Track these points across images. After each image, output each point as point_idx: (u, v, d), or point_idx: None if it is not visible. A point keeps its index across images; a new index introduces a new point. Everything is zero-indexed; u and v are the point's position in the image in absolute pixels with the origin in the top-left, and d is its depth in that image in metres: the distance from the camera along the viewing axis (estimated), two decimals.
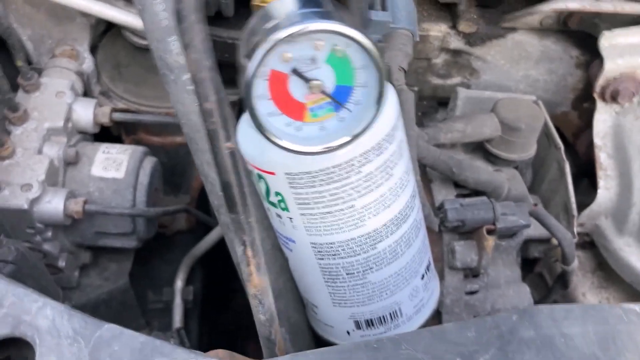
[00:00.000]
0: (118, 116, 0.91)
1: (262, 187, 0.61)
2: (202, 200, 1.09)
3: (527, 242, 0.93)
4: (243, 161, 0.62)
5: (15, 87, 0.88)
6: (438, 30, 0.98)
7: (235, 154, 0.50)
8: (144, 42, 1.00)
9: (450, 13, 1.00)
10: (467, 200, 0.80)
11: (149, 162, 0.91)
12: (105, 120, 0.90)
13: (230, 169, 0.50)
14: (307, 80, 0.48)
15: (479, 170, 0.85)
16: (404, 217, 0.64)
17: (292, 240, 0.65)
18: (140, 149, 0.91)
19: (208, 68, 0.46)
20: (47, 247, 0.85)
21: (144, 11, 0.69)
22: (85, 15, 1.01)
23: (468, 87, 1.05)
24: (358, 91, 0.50)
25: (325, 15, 0.46)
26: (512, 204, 0.78)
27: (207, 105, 0.47)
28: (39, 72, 0.91)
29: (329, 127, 0.52)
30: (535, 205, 0.86)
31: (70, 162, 0.86)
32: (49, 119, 0.86)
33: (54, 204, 0.81)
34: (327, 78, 0.49)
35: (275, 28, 0.46)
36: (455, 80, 1.05)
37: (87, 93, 0.97)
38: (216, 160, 0.49)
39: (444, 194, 0.86)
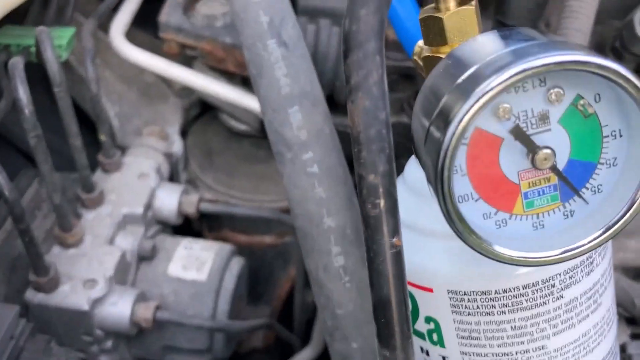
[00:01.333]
0: (207, 207, 0.77)
1: None
2: (284, 314, 0.92)
3: None
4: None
5: (94, 166, 0.76)
6: None
7: (401, 256, 0.33)
8: (242, 127, 0.88)
9: None
10: None
11: (237, 264, 0.75)
12: (191, 210, 0.76)
13: (392, 279, 0.33)
14: (533, 148, 0.32)
15: None
16: None
17: None
18: (227, 247, 0.75)
19: (382, 124, 0.30)
20: (103, 359, 0.69)
21: (260, 76, 0.56)
22: (179, 96, 0.91)
23: None
24: (603, 172, 0.33)
25: (565, 46, 0.30)
26: None
27: (371, 178, 0.31)
28: (123, 150, 0.79)
29: (548, 226, 0.34)
30: None
31: (145, 257, 0.71)
32: (127, 204, 0.72)
33: (120, 308, 0.65)
34: (558, 147, 0.32)
35: (484, 72, 0.30)
36: None
37: (173, 179, 0.84)
38: (372, 265, 0.32)
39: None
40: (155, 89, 0.91)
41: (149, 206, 0.74)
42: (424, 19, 0.39)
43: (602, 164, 0.33)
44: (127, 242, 0.70)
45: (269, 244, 0.90)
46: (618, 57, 0.78)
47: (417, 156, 0.35)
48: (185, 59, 0.85)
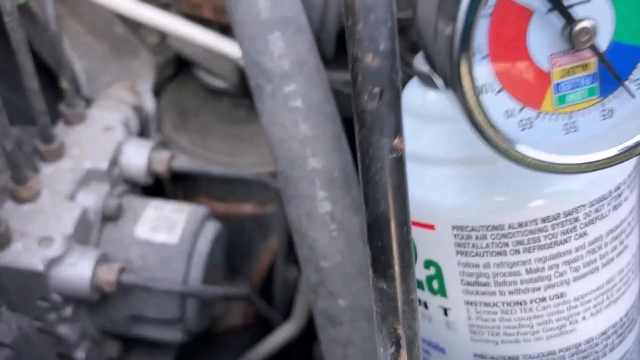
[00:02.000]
0: (179, 165, 0.70)
1: None
2: (264, 290, 0.86)
3: None
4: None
5: (56, 119, 0.69)
6: None
7: (403, 164, 0.26)
8: (220, 84, 0.82)
9: None
10: None
11: (212, 227, 0.68)
12: (162, 168, 0.69)
13: (392, 192, 0.26)
14: (570, 20, 0.26)
15: None
16: (631, 322, 0.38)
17: (439, 349, 0.39)
18: (201, 209, 0.69)
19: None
20: (62, 329, 0.62)
21: (237, 1, 0.50)
22: (152, 52, 0.84)
23: None
24: None
25: None
26: None
27: (368, 59, 0.25)
28: (88, 102, 0.72)
29: (582, 127, 0.28)
30: None
31: (110, 217, 0.65)
32: (90, 158, 0.65)
33: (80, 269, 0.59)
34: (599, 23, 0.26)
35: None
36: None
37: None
38: (367, 174, 0.26)
39: None
40: (127, 43, 0.84)
41: (114, 162, 0.67)
42: None
43: None
44: (89, 200, 0.64)
45: (249, 214, 0.83)
46: None
47: (425, 45, 0.29)
48: (158, 6, 0.78)
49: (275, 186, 0.73)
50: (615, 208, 0.34)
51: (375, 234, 0.27)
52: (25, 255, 0.57)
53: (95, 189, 0.65)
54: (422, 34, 0.29)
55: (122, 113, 0.71)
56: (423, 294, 0.38)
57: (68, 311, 0.62)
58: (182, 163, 0.71)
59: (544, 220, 0.33)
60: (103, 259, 0.61)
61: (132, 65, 0.83)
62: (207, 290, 0.63)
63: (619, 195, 0.34)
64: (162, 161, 0.70)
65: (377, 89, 0.25)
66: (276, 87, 0.47)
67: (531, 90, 0.27)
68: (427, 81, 0.36)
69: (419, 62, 0.37)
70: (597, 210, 0.34)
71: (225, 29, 0.75)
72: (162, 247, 0.65)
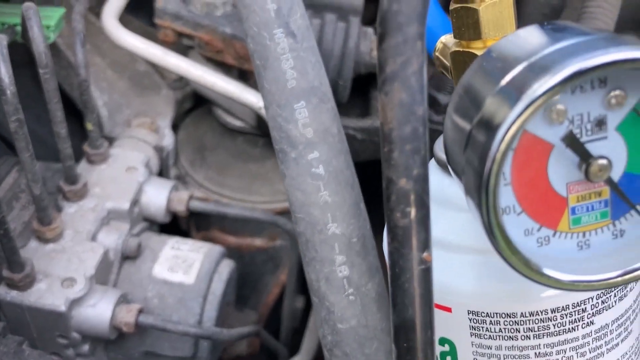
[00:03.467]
0: (197, 205, 0.72)
1: None
2: (271, 320, 0.88)
3: None
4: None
5: (80, 157, 0.71)
6: None
7: (430, 274, 0.29)
8: (237, 123, 0.84)
9: None
10: None
11: (226, 267, 0.71)
12: (181, 208, 0.71)
13: (418, 300, 0.29)
14: (587, 158, 0.28)
15: None
16: None
17: None
18: (217, 248, 0.71)
19: (419, 120, 0.26)
20: None
21: (266, 68, 0.52)
22: (172, 88, 0.87)
23: None
24: None
25: (625, 42, 0.26)
26: None
27: (402, 183, 0.27)
28: (111, 141, 0.74)
29: (594, 246, 0.30)
30: None
31: (130, 256, 0.67)
32: (112, 197, 0.68)
33: (100, 310, 0.61)
34: (613, 158, 0.29)
35: (537, 70, 0.26)
36: None
37: (162, 174, 0.79)
38: (397, 282, 0.29)
39: None
40: (148, 78, 0.86)
41: (135, 202, 0.69)
42: (456, 10, 0.36)
43: None
44: (110, 239, 0.66)
45: (259, 247, 0.86)
46: None
47: (452, 162, 0.31)
48: (181, 48, 0.81)
49: (287, 228, 0.75)
50: (621, 299, 0.37)
51: (402, 335, 0.29)
52: (49, 295, 0.59)
53: (116, 228, 0.67)
54: (449, 142, 0.31)
55: (144, 153, 0.73)
56: None
57: (85, 347, 0.64)
58: (200, 204, 0.73)
59: (553, 310, 0.35)
60: (122, 300, 0.63)
61: (152, 101, 0.85)
62: (221, 334, 0.65)
63: (625, 286, 0.37)
64: (182, 201, 0.72)
65: (408, 209, 0.27)
66: (300, 154, 0.50)
67: (549, 212, 0.29)
68: (445, 168, 0.38)
69: (439, 149, 0.40)
70: (603, 302, 0.36)
71: (245, 74, 0.77)
72: (179, 287, 0.67)
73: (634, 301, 0.38)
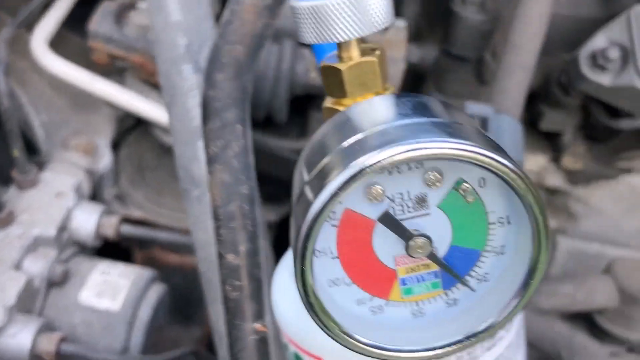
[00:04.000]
0: (127, 230, 0.73)
1: None
2: None
3: None
4: (277, 332, 0.41)
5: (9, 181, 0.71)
6: (535, 162, 0.79)
7: (266, 343, 0.29)
8: None
9: (551, 144, 0.81)
10: None
11: (155, 293, 0.71)
12: (110, 232, 0.72)
13: None
14: (406, 235, 0.28)
15: (594, 357, 0.62)
16: None
17: None
18: (146, 274, 0.71)
19: (243, 199, 0.27)
20: None
21: (173, 104, 0.52)
22: (112, 106, 0.86)
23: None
24: (489, 260, 0.30)
25: (449, 130, 0.27)
26: None
27: (230, 258, 0.27)
28: (41, 165, 0.74)
29: (428, 313, 0.31)
30: None
31: (56, 283, 0.67)
32: (39, 224, 0.68)
33: (20, 340, 0.61)
34: (438, 233, 0.29)
35: (363, 146, 0.27)
36: None
37: (96, 197, 0.79)
38: (232, 351, 0.29)
39: None
40: (87, 96, 0.86)
41: (63, 227, 0.69)
42: (324, 69, 0.36)
43: (489, 251, 0.30)
44: (36, 267, 0.66)
45: None
46: (564, 92, 0.76)
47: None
48: (118, 69, 0.81)
49: None
50: (489, 349, 0.37)
51: None
52: None
53: (42, 255, 0.67)
54: (293, 192, 0.31)
55: (75, 177, 0.73)
56: None
57: None
58: (130, 229, 0.73)
59: None
60: (44, 329, 0.63)
61: (91, 119, 0.85)
62: None
63: (492, 337, 0.37)
64: (111, 226, 0.72)
65: (238, 283, 0.28)
66: (203, 192, 0.50)
67: (379, 284, 0.30)
68: None
69: None
70: (469, 354, 0.36)
71: None
72: (105, 314, 0.67)
73: (506, 348, 0.39)
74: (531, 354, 0.63)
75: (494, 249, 0.29)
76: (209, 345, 0.85)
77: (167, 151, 0.86)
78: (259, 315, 0.28)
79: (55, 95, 0.84)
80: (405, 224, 0.28)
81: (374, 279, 0.29)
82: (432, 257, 0.29)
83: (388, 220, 0.28)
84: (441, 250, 0.29)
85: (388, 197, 0.28)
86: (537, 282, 0.29)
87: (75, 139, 0.81)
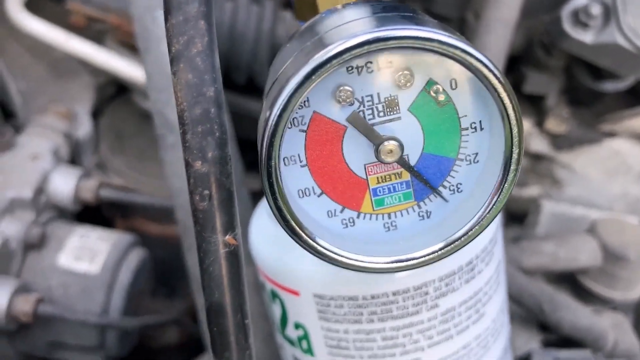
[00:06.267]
0: (107, 193, 0.71)
1: (276, 311, 0.40)
2: None
3: None
4: (253, 267, 0.40)
5: None
6: None
7: (238, 256, 0.28)
8: None
9: (535, 108, 0.81)
10: (564, 353, 0.56)
11: (136, 256, 0.70)
12: (89, 196, 0.70)
13: (226, 282, 0.28)
14: (376, 137, 0.28)
15: (577, 311, 0.62)
16: None
17: None
18: (126, 237, 0.70)
19: (210, 101, 0.26)
20: None
21: (147, 51, 0.51)
22: (92, 74, 0.85)
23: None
24: (463, 168, 0.29)
25: (417, 21, 0.26)
26: None
27: (197, 165, 0.27)
28: (17, 130, 0.73)
29: (402, 227, 0.30)
30: None
31: (33, 245, 0.66)
32: (14, 186, 0.66)
33: None
34: (409, 138, 0.28)
35: (328, 40, 0.26)
36: (532, 190, 0.84)
37: (76, 164, 0.78)
38: (202, 265, 0.28)
39: (524, 339, 0.63)
40: (66, 64, 0.84)
41: (40, 190, 0.68)
42: None
43: (462, 159, 0.29)
44: (12, 229, 0.65)
45: None
46: (547, 53, 0.75)
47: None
48: (98, 33, 0.79)
49: None
50: (467, 281, 0.37)
51: (212, 319, 0.29)
52: None
53: (19, 218, 0.66)
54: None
55: (52, 141, 0.72)
56: (296, 351, 0.40)
57: None
58: (110, 192, 0.72)
59: (394, 293, 0.35)
60: (21, 290, 0.62)
61: (70, 87, 0.84)
62: (124, 322, 0.64)
63: (471, 269, 0.37)
64: (90, 189, 0.71)
65: (207, 192, 0.27)
66: (178, 139, 0.49)
67: (350, 194, 0.29)
68: None
69: None
70: (447, 285, 0.36)
71: None
72: (83, 277, 0.66)
73: (485, 284, 0.38)
74: (513, 309, 0.63)
75: (467, 157, 0.29)
76: (193, 318, 0.84)
77: (147, 118, 0.85)
78: (229, 228, 0.27)
79: (33, 62, 0.82)
80: (376, 129, 0.27)
81: (345, 188, 0.29)
82: (403, 162, 0.28)
83: (357, 120, 0.27)
84: (413, 159, 0.29)
85: (357, 100, 0.27)
86: (511, 187, 0.28)
87: (54, 106, 0.80)
